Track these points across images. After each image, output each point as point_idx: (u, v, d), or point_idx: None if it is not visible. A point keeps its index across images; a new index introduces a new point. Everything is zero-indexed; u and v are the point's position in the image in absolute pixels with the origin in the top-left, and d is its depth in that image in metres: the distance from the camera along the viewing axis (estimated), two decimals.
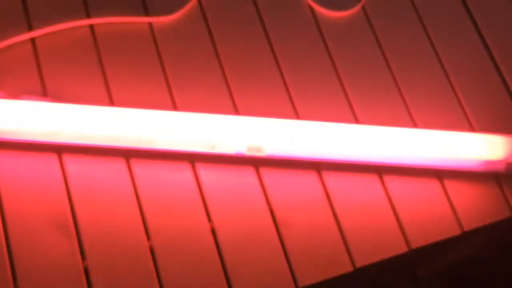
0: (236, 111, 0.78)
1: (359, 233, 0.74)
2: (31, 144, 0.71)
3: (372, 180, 0.77)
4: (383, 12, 0.88)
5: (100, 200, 0.71)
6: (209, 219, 0.72)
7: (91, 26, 0.80)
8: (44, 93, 0.75)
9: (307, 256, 0.72)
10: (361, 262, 0.72)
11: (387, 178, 0.77)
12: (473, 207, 0.77)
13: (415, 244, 0.74)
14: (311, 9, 0.87)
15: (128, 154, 0.73)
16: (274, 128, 0.73)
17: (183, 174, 0.74)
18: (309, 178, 0.76)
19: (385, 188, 0.76)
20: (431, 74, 0.85)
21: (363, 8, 0.88)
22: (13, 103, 0.70)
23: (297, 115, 0.79)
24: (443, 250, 0.78)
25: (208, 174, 0.74)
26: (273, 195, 0.74)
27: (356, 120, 0.80)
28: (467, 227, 0.76)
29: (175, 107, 0.77)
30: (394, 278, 0.85)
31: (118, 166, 0.73)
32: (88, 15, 0.81)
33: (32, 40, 0.78)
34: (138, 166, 0.73)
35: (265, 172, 0.75)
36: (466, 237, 0.76)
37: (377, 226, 0.75)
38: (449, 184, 0.77)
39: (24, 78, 0.76)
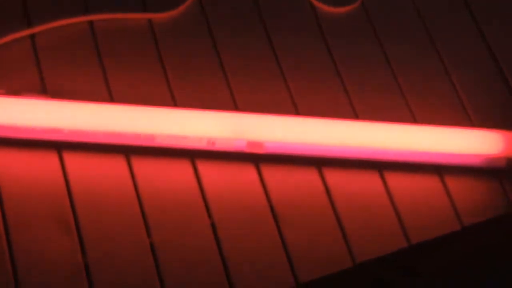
0: (236, 108, 0.78)
1: (359, 229, 0.74)
2: (31, 141, 0.72)
3: (372, 176, 0.77)
4: (383, 8, 0.88)
5: (100, 197, 0.71)
6: (209, 215, 0.72)
7: (91, 23, 0.80)
8: (44, 90, 0.75)
9: (307, 252, 0.72)
10: (361, 257, 0.73)
11: (387, 174, 0.77)
12: (473, 203, 0.78)
13: (415, 240, 0.74)
14: (311, 5, 0.87)
15: (128, 151, 0.73)
16: (274, 125, 0.73)
17: (183, 170, 0.74)
18: (309, 174, 0.76)
19: (385, 183, 0.77)
20: (431, 70, 0.85)
21: (363, 4, 0.88)
22: (13, 100, 0.70)
23: (297, 111, 0.79)
24: (443, 246, 0.78)
25: (208, 171, 0.74)
26: (273, 191, 0.74)
27: (356, 116, 0.80)
28: (467, 222, 0.76)
29: (175, 104, 0.77)
30: (394, 273, 0.85)
31: (118, 162, 0.73)
32: (87, 11, 0.81)
33: (31, 36, 0.78)
34: (138, 163, 0.73)
35: (265, 168, 0.75)
36: (466, 232, 0.76)
37: (377, 221, 0.75)
38: (449, 179, 0.78)
39: (23, 75, 0.76)
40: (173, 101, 0.77)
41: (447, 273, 0.88)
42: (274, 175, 0.75)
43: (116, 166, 0.73)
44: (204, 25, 0.83)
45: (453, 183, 0.78)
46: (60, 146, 0.73)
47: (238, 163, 0.75)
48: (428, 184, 0.77)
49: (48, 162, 0.72)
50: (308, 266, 0.72)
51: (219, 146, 0.73)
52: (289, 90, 0.80)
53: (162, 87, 0.78)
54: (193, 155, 0.74)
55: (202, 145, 0.73)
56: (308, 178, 0.76)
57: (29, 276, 0.67)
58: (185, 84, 0.78)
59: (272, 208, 0.74)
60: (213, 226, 0.72)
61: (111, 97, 0.76)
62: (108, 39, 0.79)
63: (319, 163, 0.76)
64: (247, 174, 0.75)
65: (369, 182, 0.77)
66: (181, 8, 0.83)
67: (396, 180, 0.77)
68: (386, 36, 0.86)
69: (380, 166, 0.77)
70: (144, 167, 0.73)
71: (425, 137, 0.75)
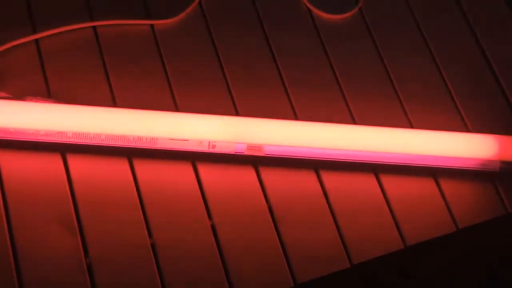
0: (236, 112, 0.79)
1: (356, 231, 0.74)
2: (36, 144, 0.73)
3: (368, 179, 0.77)
4: (380, 15, 0.89)
5: (103, 198, 0.72)
6: (210, 217, 0.73)
7: (94, 28, 0.81)
8: (48, 94, 0.76)
9: (305, 253, 0.73)
10: (358, 258, 0.73)
11: (383, 177, 0.77)
12: (467, 205, 0.78)
13: (410, 241, 0.75)
14: (310, 12, 0.88)
15: (130, 154, 0.74)
16: (273, 129, 0.74)
17: (184, 173, 0.74)
18: (307, 177, 0.76)
19: (381, 186, 0.77)
20: (427, 76, 0.85)
21: (360, 11, 0.89)
22: (18, 104, 0.71)
23: (295, 116, 0.80)
24: (438, 247, 0.78)
25: (209, 173, 0.75)
26: (272, 193, 0.75)
27: (354, 121, 0.81)
28: (462, 224, 0.76)
29: (176, 108, 0.78)
30: (390, 274, 0.85)
31: (120, 165, 0.74)
32: (91, 18, 0.82)
33: (36, 42, 0.79)
34: (140, 165, 0.74)
35: (264, 171, 0.76)
36: (461, 234, 0.77)
37: (374, 223, 0.75)
38: (444, 182, 0.78)
39: (28, 80, 0.77)
40: (175, 105, 0.78)
41: (443, 274, 0.88)
42: (273, 178, 0.75)
43: (118, 168, 0.74)
44: (205, 32, 0.83)
45: (448, 186, 0.78)
46: (64, 149, 0.73)
47: (238, 166, 0.75)
48: (424, 187, 0.78)
49: (52, 164, 0.73)
50: (306, 266, 0.72)
51: (220, 149, 0.74)
52: (288, 95, 0.81)
53: (164, 91, 0.79)
54: (194, 158, 0.75)
55: (203, 148, 0.74)
56: (306, 180, 0.76)
57: (32, 276, 0.68)
58: (187, 88, 0.79)
59: (271, 209, 0.74)
60: (213, 227, 0.72)
61: (114, 101, 0.77)
62: (112, 45, 0.80)
63: (317, 166, 0.77)
64: (247, 176, 0.75)
65: (366, 184, 0.77)
66: (183, 14, 0.84)
67: (392, 183, 0.77)
68: (384, 43, 0.86)
69: (376, 169, 0.77)
70: (146, 170, 0.74)
71: (421, 141, 0.75)
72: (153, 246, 0.71)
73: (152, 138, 0.74)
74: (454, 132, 0.77)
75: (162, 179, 0.74)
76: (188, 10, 0.84)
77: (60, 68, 0.78)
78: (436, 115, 0.82)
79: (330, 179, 0.76)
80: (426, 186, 0.78)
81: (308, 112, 0.80)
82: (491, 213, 0.78)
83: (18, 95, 0.73)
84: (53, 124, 0.71)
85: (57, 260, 0.69)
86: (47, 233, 0.70)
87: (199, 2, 0.85)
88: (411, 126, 0.81)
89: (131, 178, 0.73)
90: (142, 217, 0.72)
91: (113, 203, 0.72)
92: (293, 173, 0.76)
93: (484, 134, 0.77)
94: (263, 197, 0.75)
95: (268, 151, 0.75)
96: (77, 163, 0.73)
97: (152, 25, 0.83)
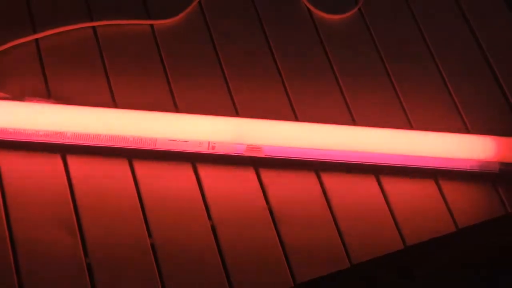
0: (236, 113, 0.79)
1: (355, 231, 0.74)
2: (35, 144, 0.72)
3: (368, 180, 0.77)
4: (380, 16, 0.89)
5: (103, 199, 0.72)
6: (210, 217, 0.73)
7: (94, 28, 0.81)
8: (48, 94, 0.76)
9: (305, 253, 0.73)
10: (357, 259, 0.73)
11: (384, 178, 0.77)
12: (467, 206, 0.78)
13: (410, 242, 0.75)
14: (310, 12, 0.88)
15: (130, 155, 0.74)
16: (273, 130, 0.74)
17: (184, 174, 0.75)
18: (307, 178, 0.76)
19: (381, 187, 0.77)
20: (427, 77, 0.86)
21: (360, 11, 0.89)
22: (18, 105, 0.71)
23: (295, 117, 0.80)
24: (438, 248, 0.78)
25: (209, 174, 0.75)
26: (272, 194, 0.75)
27: (353, 121, 0.81)
28: (462, 225, 0.76)
29: (176, 109, 0.78)
30: (390, 274, 0.86)
31: (120, 166, 0.74)
32: (91, 18, 0.82)
33: (36, 42, 0.79)
34: (140, 166, 0.74)
35: (264, 172, 0.76)
36: (461, 235, 0.77)
37: (374, 224, 0.75)
38: (444, 183, 0.78)
39: (28, 80, 0.77)
40: (175, 106, 0.78)
41: (443, 274, 0.88)
42: (273, 179, 0.76)
43: (118, 169, 0.74)
44: (205, 31, 0.83)
45: (448, 187, 0.78)
46: (63, 150, 0.73)
47: (238, 167, 0.76)
48: (424, 188, 0.78)
49: (52, 165, 0.73)
50: (305, 266, 0.72)
51: (219, 150, 0.74)
52: (288, 95, 0.81)
53: (164, 92, 0.79)
54: (194, 159, 0.75)
55: (203, 149, 0.74)
56: (306, 181, 0.76)
57: (32, 276, 0.68)
58: (187, 89, 0.79)
59: (270, 210, 0.74)
60: (213, 228, 0.73)
61: (114, 102, 0.77)
62: (111, 45, 0.80)
63: (317, 167, 0.77)
64: (247, 177, 0.75)
65: (366, 185, 0.77)
66: (183, 14, 0.84)
67: (392, 184, 0.77)
68: (384, 43, 0.87)
69: (376, 171, 0.77)
70: (146, 171, 0.74)
71: (421, 142, 0.75)
72: (153, 246, 0.71)
73: (152, 139, 0.74)
74: (454, 133, 0.77)
75: (162, 180, 0.74)
76: (188, 10, 0.84)
77: (60, 68, 0.78)
78: (436, 116, 0.83)
79: (330, 180, 0.76)
80: (426, 187, 0.78)
81: (308, 113, 0.80)
82: (491, 213, 0.78)
83: (18, 95, 0.73)
84: (53, 125, 0.71)
85: (57, 260, 0.69)
86: (47, 233, 0.70)
87: (199, 2, 0.85)
88: (411, 127, 0.81)
89: (131, 178, 0.73)
90: (142, 217, 0.72)
91: (113, 204, 0.72)
92: (293, 174, 0.76)
93: (484, 136, 0.77)
94: (263, 198, 0.75)
95: (268, 152, 0.75)
96: (76, 164, 0.73)
97: (152, 25, 0.83)
